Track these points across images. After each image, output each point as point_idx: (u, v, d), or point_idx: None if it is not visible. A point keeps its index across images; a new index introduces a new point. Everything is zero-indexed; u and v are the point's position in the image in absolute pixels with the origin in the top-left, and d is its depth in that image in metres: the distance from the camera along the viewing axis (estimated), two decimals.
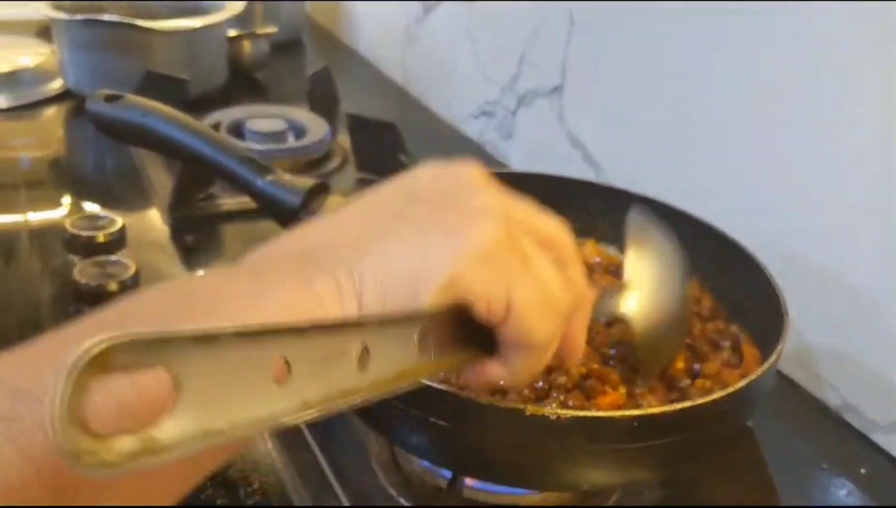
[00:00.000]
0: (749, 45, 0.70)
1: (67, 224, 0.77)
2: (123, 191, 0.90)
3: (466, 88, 1.09)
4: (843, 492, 0.60)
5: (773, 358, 0.49)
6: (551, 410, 0.43)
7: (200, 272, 0.36)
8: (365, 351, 0.30)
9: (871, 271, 0.63)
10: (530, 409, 0.43)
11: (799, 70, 0.66)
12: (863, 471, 0.62)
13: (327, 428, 0.59)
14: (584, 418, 0.43)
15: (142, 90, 0.96)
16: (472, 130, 1.09)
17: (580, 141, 0.90)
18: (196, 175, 0.83)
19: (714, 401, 0.45)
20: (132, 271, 0.71)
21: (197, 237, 0.80)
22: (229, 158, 0.62)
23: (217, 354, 0.25)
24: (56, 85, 1.10)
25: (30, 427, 0.26)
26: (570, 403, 0.48)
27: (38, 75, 1.11)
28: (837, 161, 0.64)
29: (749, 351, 0.54)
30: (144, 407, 0.24)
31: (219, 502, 0.53)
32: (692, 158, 0.78)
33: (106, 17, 1.02)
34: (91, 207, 0.85)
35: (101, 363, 0.22)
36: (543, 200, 0.66)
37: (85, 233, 0.76)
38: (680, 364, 0.52)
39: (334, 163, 0.96)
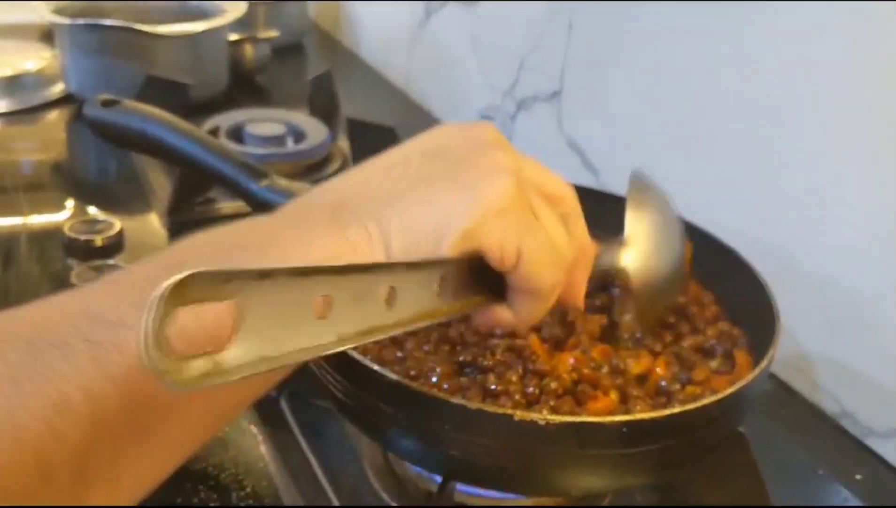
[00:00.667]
0: (748, 52, 0.70)
1: (66, 228, 0.77)
2: (123, 195, 0.91)
3: (467, 92, 1.09)
4: (838, 498, 0.60)
5: (763, 363, 0.49)
6: (540, 416, 0.43)
7: (238, 221, 0.39)
8: (392, 292, 0.34)
9: (869, 278, 0.63)
10: (519, 415, 0.43)
11: (799, 76, 0.66)
12: (859, 477, 0.62)
13: (320, 431, 0.59)
14: (574, 423, 0.43)
15: (144, 95, 0.97)
16: None
17: (579, 146, 0.90)
18: (194, 180, 0.83)
19: (704, 406, 0.45)
20: None
21: None
22: (225, 163, 0.62)
23: (273, 289, 0.28)
24: (58, 89, 1.10)
25: (107, 348, 0.30)
26: (562, 408, 0.48)
27: (40, 80, 1.11)
28: (836, 168, 0.64)
29: (742, 358, 0.53)
30: (214, 335, 0.27)
31: (212, 505, 0.53)
32: (690, 164, 0.78)
33: (108, 21, 1.02)
34: (90, 211, 0.85)
35: (180, 295, 0.25)
36: None
37: (83, 237, 0.76)
38: (665, 371, 0.52)
39: (334, 167, 0.96)
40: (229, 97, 1.13)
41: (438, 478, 0.50)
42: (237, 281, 0.27)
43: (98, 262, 0.73)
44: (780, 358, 0.69)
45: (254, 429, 0.60)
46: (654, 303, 0.54)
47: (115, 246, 0.77)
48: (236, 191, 0.61)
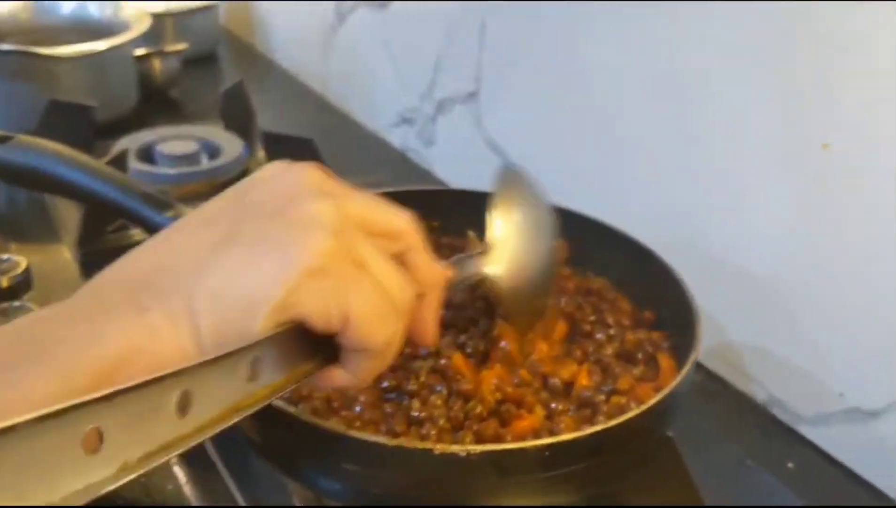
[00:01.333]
0: (664, 50, 0.69)
1: None
2: (28, 227, 0.87)
3: (386, 95, 1.08)
4: (769, 490, 0.60)
5: (686, 368, 0.49)
6: (461, 447, 0.42)
7: (32, 314, 0.35)
8: (185, 396, 0.30)
9: (788, 268, 0.63)
10: (439, 448, 0.42)
11: (715, 75, 0.66)
12: (790, 465, 0.62)
13: (247, 469, 0.58)
14: (495, 451, 0.42)
15: (47, 121, 0.94)
16: (395, 138, 1.08)
17: (499, 146, 0.90)
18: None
19: (628, 420, 0.45)
20: None
21: None
22: (127, 196, 0.59)
23: (18, 443, 0.25)
24: None
25: None
26: (486, 432, 0.47)
27: None
28: (752, 164, 0.64)
29: (665, 362, 0.53)
30: None
31: None
32: (609, 162, 0.77)
33: (3, 46, 0.98)
34: None
35: None
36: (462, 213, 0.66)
37: None
38: (588, 381, 0.52)
39: None
40: (140, 115, 1.09)
41: None
42: None
43: (5, 304, 0.70)
44: (709, 349, 0.70)
45: (177, 470, 0.58)
46: (523, 306, 0.53)
47: (23, 285, 0.73)
48: (141, 224, 0.59)
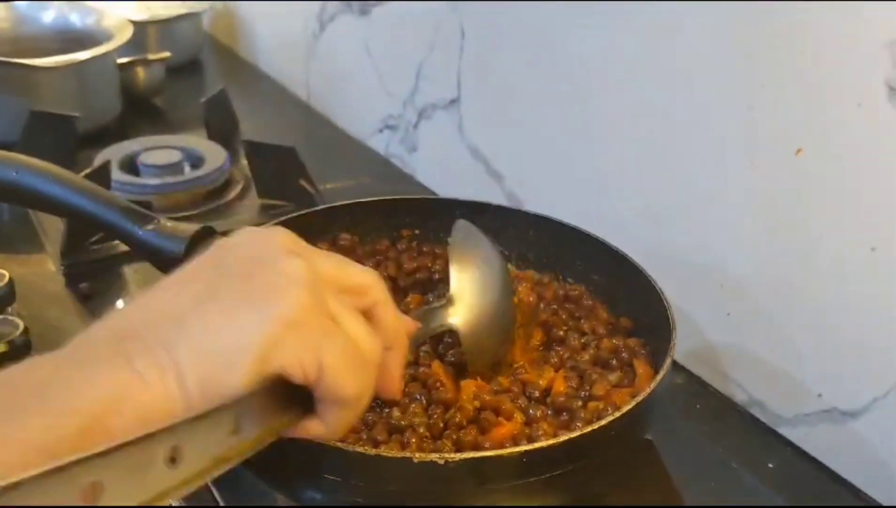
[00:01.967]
0: (640, 55, 0.70)
1: None
2: (11, 238, 0.87)
3: (369, 102, 1.08)
4: (750, 490, 0.61)
5: (661, 374, 0.49)
6: (439, 455, 0.42)
7: (28, 360, 0.37)
8: (176, 450, 0.32)
9: (759, 270, 0.64)
10: (418, 456, 0.42)
11: (689, 82, 0.66)
12: (771, 466, 0.63)
13: (233, 481, 0.58)
14: (473, 459, 0.43)
15: (29, 132, 0.94)
16: (379, 144, 1.08)
17: (481, 153, 0.90)
18: None
19: (603, 427, 0.45)
20: (21, 329, 0.68)
21: (93, 284, 0.77)
22: (107, 210, 0.60)
23: (23, 497, 0.26)
24: None
25: None
26: (465, 440, 0.48)
27: None
28: (724, 167, 0.65)
29: (642, 367, 0.54)
30: None
31: None
32: (584, 166, 0.78)
33: None
34: None
35: None
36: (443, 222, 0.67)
37: None
38: (565, 387, 0.52)
39: (235, 191, 0.94)
40: (124, 124, 1.09)
41: None
42: None
43: None
44: (689, 352, 0.71)
45: None
46: (484, 353, 0.55)
47: (6, 298, 0.73)
48: (122, 238, 0.59)
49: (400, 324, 0.45)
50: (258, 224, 0.64)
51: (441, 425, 0.49)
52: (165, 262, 0.58)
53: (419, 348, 0.56)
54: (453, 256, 0.57)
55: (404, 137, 1.02)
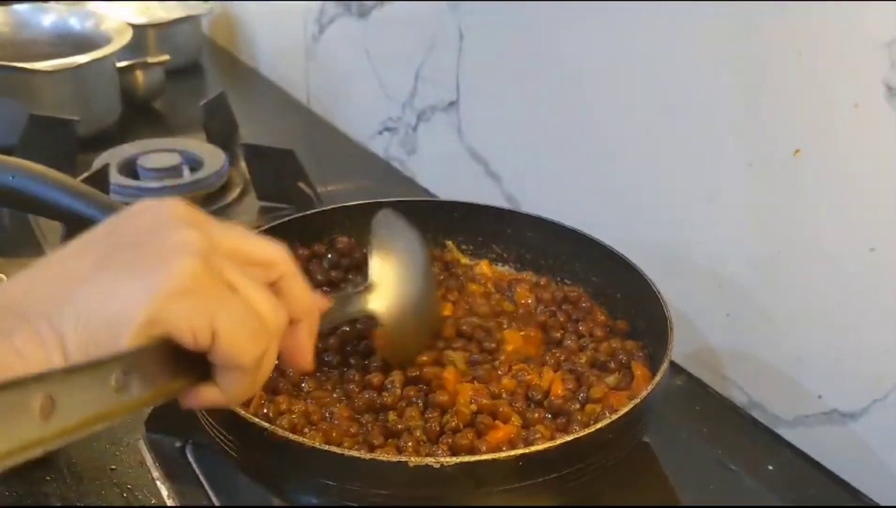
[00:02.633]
0: (640, 56, 0.70)
1: None
2: (10, 244, 0.87)
3: (368, 104, 1.08)
4: (749, 492, 0.60)
5: (658, 377, 0.49)
6: (434, 459, 0.42)
7: None
8: (48, 400, 0.32)
9: (759, 271, 0.64)
10: (413, 460, 0.42)
11: (688, 81, 0.66)
12: (770, 467, 0.63)
13: (230, 482, 0.58)
14: (468, 463, 0.43)
15: (28, 136, 0.94)
16: (378, 146, 1.08)
17: (480, 155, 0.90)
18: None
19: (600, 430, 0.45)
20: None
21: None
22: (105, 213, 0.59)
23: None
24: None
25: None
26: (461, 443, 0.48)
27: None
28: (722, 168, 0.65)
29: (639, 370, 0.54)
30: None
31: None
32: (583, 169, 0.78)
33: None
34: None
35: None
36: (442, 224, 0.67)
37: None
38: (562, 390, 0.52)
39: (234, 194, 0.94)
40: (123, 128, 1.09)
41: None
42: None
43: None
44: (689, 354, 0.70)
45: (160, 485, 0.58)
46: (403, 340, 0.55)
47: None
48: None
49: (309, 297, 0.45)
50: (257, 227, 0.64)
51: (437, 428, 0.49)
52: None
53: (337, 330, 0.56)
54: (375, 244, 0.57)
55: (404, 140, 1.02)
